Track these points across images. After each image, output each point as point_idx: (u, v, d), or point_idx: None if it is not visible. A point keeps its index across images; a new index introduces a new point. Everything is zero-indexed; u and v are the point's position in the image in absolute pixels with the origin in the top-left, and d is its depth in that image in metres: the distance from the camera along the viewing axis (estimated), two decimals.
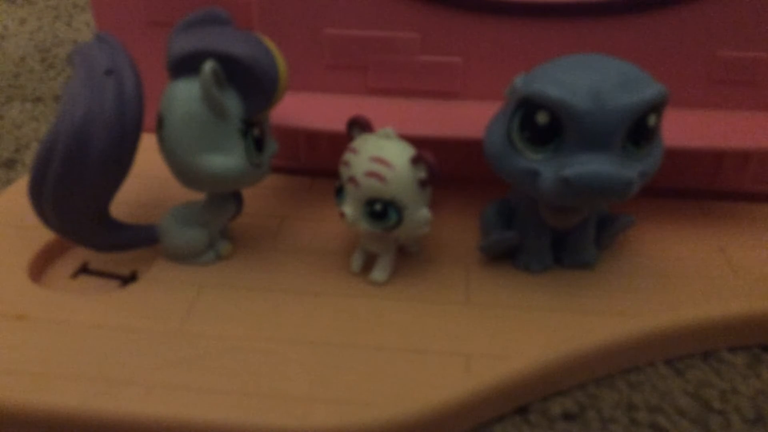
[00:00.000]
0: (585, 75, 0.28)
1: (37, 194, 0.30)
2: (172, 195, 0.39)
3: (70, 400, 0.26)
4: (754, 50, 0.37)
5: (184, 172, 0.31)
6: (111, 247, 0.34)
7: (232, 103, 0.30)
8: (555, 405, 0.29)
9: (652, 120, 0.29)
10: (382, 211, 0.30)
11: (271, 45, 0.31)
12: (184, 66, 0.30)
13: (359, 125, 0.32)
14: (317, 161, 0.41)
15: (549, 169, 0.29)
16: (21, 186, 0.40)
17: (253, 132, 0.31)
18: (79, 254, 0.35)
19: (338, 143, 0.34)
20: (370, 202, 0.30)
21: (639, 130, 0.28)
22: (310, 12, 0.38)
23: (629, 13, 0.36)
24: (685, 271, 0.34)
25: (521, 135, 0.29)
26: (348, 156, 0.31)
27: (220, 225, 0.34)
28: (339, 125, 0.33)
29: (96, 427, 0.26)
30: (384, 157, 0.30)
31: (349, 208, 0.31)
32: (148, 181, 0.40)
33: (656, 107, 0.28)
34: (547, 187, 0.29)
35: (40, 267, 0.34)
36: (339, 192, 0.32)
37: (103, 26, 0.42)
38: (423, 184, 0.30)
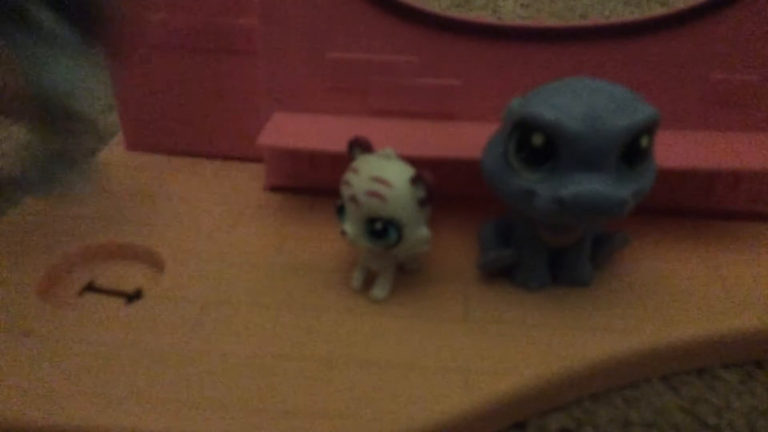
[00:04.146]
0: (579, 98, 0.29)
1: None
2: (163, 209, 0.39)
3: (74, 416, 0.27)
4: (745, 73, 0.38)
5: None
6: None
7: None
8: (552, 421, 0.30)
9: (644, 141, 0.29)
10: (382, 229, 0.31)
11: None
12: None
13: (360, 146, 0.33)
14: (319, 181, 0.42)
15: (545, 189, 0.29)
16: (29, 205, 0.40)
17: None
18: (86, 272, 0.36)
19: (339, 163, 0.34)
20: (370, 221, 0.31)
21: (632, 151, 0.29)
22: (312, 36, 0.39)
23: (623, 37, 0.37)
24: (680, 289, 0.34)
25: (517, 156, 0.30)
26: (349, 176, 0.32)
27: None
28: (340, 146, 0.34)
29: None
30: (384, 177, 0.30)
31: (349, 227, 0.32)
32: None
33: (649, 129, 0.29)
34: (543, 207, 0.30)
35: (47, 284, 0.35)
36: (340, 211, 0.32)
37: None
38: (422, 203, 0.31)
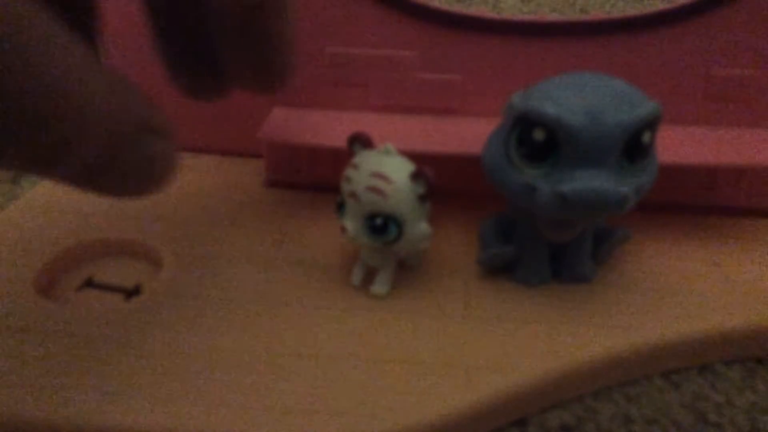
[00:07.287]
0: (581, 93, 0.29)
1: None
2: (167, 208, 0.39)
3: (73, 412, 0.27)
4: (747, 68, 0.38)
5: None
6: None
7: None
8: (553, 418, 0.30)
9: (646, 137, 0.29)
10: (382, 225, 0.31)
11: None
12: None
13: (360, 141, 0.33)
14: (318, 176, 0.42)
15: (546, 184, 0.29)
16: (27, 200, 0.40)
17: None
18: (85, 268, 0.36)
19: (339, 159, 0.34)
20: (370, 217, 0.31)
21: (634, 147, 0.29)
22: (311, 30, 0.38)
23: (625, 32, 0.37)
24: (681, 286, 0.34)
25: (518, 151, 0.30)
26: (349, 171, 0.31)
27: None
28: (340, 141, 0.34)
29: None
30: (384, 172, 0.30)
31: (349, 223, 0.31)
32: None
33: (651, 124, 0.29)
34: (544, 202, 0.29)
35: (45, 280, 0.35)
36: (340, 207, 0.32)
37: (107, 36, 0.43)
38: (423, 198, 0.31)
